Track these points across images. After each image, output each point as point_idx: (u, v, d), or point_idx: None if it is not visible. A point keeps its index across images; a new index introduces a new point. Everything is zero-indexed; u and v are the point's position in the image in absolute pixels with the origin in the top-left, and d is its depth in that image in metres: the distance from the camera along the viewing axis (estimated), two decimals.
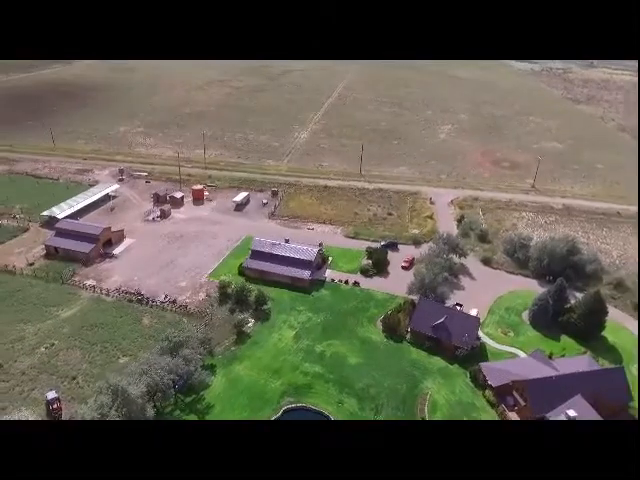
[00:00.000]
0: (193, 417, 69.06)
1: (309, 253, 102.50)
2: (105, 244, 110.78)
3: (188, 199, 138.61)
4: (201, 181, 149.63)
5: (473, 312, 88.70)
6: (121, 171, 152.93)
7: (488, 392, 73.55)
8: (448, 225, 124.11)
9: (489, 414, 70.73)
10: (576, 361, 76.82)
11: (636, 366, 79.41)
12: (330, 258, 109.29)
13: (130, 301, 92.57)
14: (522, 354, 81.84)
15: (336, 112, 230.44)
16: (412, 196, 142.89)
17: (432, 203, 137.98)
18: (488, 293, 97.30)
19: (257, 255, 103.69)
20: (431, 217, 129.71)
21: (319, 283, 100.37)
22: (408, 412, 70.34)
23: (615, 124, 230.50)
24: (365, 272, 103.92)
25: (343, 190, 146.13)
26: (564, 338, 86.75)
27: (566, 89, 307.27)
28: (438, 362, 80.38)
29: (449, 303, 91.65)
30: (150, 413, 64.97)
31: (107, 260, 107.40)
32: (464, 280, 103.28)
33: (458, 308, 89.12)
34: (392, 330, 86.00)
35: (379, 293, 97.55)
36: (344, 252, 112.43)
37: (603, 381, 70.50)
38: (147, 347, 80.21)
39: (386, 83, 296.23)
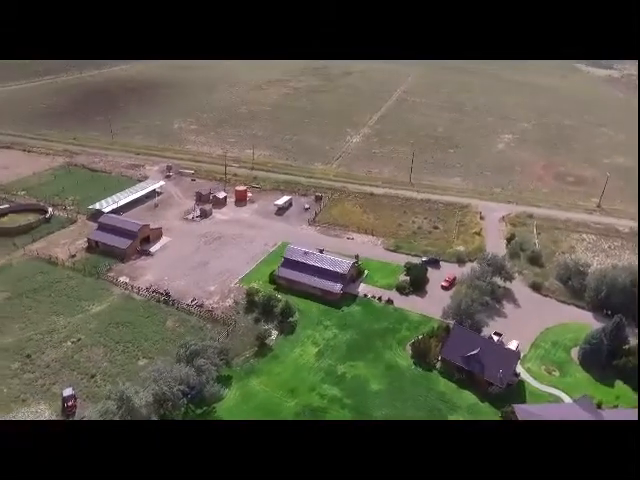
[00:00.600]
0: None
1: (342, 265, 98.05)
2: (143, 241, 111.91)
3: (231, 199, 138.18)
4: (246, 182, 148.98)
5: (513, 344, 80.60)
6: (169, 167, 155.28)
7: None
8: (497, 243, 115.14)
9: None
10: (630, 414, 66.84)
11: None
12: (366, 271, 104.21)
13: (158, 301, 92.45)
14: (567, 398, 72.90)
15: (392, 116, 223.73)
16: (461, 209, 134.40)
17: (482, 218, 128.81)
18: (534, 323, 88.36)
19: (289, 264, 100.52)
20: (479, 233, 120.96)
21: (351, 297, 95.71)
22: None
23: None
24: (401, 289, 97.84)
25: (389, 199, 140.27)
26: (619, 384, 76.47)
27: None
28: (468, 397, 73.42)
29: (487, 331, 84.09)
30: None
31: (143, 257, 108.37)
32: (507, 306, 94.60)
33: (496, 338, 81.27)
34: (422, 356, 79.92)
35: (413, 314, 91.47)
36: (382, 266, 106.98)
37: None
38: (166, 352, 79.30)
39: (448, 87, 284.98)
